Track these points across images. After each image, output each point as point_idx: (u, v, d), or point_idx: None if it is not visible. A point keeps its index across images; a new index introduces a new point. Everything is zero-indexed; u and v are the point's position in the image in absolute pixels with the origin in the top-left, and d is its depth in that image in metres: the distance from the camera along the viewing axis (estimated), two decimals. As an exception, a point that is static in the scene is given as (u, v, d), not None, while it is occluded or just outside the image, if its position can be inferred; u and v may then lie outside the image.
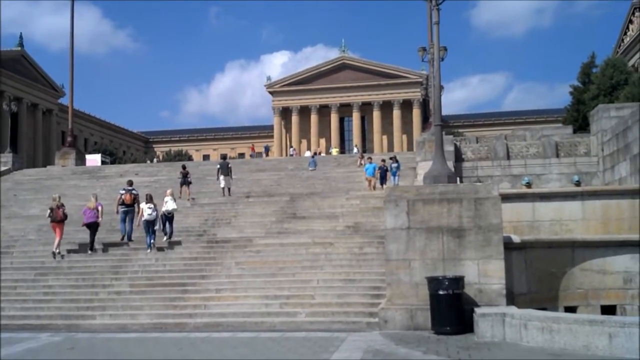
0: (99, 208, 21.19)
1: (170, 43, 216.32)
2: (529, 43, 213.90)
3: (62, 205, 21.30)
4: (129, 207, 21.56)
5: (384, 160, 30.31)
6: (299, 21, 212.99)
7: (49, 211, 21.11)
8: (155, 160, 71.64)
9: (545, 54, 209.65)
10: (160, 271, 19.33)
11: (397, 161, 29.89)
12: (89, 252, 20.87)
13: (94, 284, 18.62)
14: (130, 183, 22.99)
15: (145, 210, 20.66)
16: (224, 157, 31.41)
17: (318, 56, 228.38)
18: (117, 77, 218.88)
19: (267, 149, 74.46)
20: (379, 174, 29.22)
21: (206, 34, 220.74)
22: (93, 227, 20.94)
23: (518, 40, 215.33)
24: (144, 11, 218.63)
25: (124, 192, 21.82)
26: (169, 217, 21.22)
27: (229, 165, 28.77)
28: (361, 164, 34.96)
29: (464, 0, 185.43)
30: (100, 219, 21.12)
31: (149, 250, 20.52)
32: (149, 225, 20.59)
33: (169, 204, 21.19)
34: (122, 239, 21.71)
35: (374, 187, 28.69)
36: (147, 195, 21.40)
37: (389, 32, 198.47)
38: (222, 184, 28.44)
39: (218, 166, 29.35)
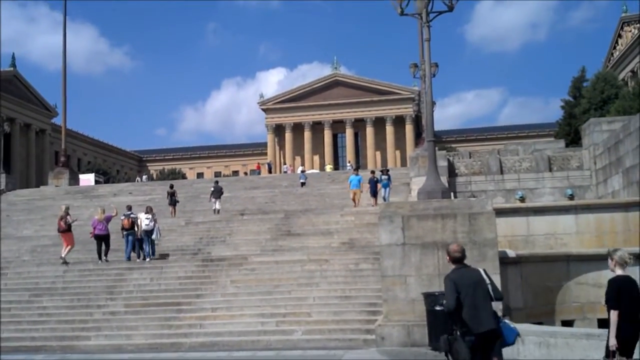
0: (108, 221, 22.12)
1: (168, 61, 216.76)
2: (523, 58, 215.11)
3: (66, 215, 22.19)
4: (129, 231, 22.24)
5: (373, 172, 29.62)
6: (296, 38, 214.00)
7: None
8: (144, 177, 70.58)
9: (540, 68, 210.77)
10: (155, 290, 19.24)
11: (387, 173, 29.26)
12: (99, 261, 21.70)
13: (89, 304, 18.50)
14: (129, 208, 23.62)
15: (143, 220, 21.62)
16: (216, 181, 34.07)
17: (314, 73, 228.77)
18: (113, 96, 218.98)
19: (270, 167, 75.13)
20: (368, 187, 28.36)
21: (203, 51, 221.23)
22: (102, 239, 21.89)
23: (513, 55, 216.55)
24: (141, 29, 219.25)
25: (123, 217, 22.49)
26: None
27: (221, 190, 30.21)
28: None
29: (458, 16, 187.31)
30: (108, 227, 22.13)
31: (148, 259, 21.37)
32: (147, 234, 21.54)
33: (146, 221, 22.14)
34: (129, 258, 22.25)
35: (359, 200, 27.89)
36: (147, 207, 22.60)
37: (384, 48, 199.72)
38: (214, 206, 29.58)
39: (212, 189, 30.34)
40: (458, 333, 7.65)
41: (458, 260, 8.10)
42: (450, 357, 7.78)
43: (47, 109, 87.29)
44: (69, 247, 22.01)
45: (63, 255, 21.75)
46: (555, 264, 15.27)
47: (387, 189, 28.20)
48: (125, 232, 22.21)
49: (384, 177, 28.67)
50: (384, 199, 27.23)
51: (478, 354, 7.57)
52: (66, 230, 22.07)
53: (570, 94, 58.50)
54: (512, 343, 7.91)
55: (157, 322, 17.00)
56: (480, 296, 7.74)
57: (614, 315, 7.93)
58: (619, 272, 8.23)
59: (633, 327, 7.78)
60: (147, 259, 21.46)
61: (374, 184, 28.31)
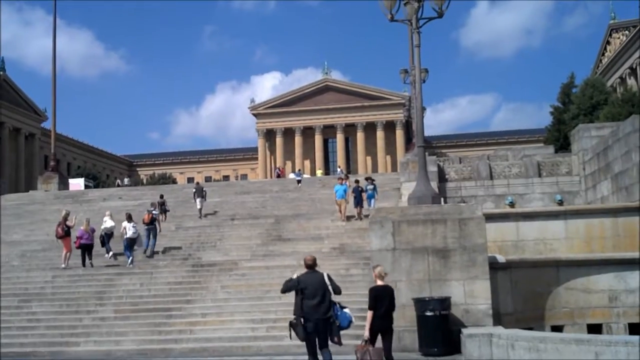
0: (92, 232, 22.59)
1: (163, 64, 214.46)
2: (518, 63, 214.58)
3: (64, 221, 22.55)
4: (150, 225, 23.45)
5: (357, 181, 27.64)
6: (293, 43, 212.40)
7: None
8: (126, 180, 69.26)
9: (534, 74, 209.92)
10: (145, 296, 19.17)
11: (373, 182, 27.49)
12: (83, 268, 21.97)
13: (78, 309, 18.43)
14: (152, 205, 25.55)
15: (129, 228, 22.08)
16: (197, 182, 37.20)
17: (309, 79, 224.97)
18: (107, 100, 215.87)
19: (278, 172, 75.36)
20: (353, 196, 26.31)
21: (199, 55, 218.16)
22: (88, 248, 22.28)
23: (507, 61, 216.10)
24: (137, 33, 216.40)
25: (146, 213, 23.94)
26: (108, 235, 22.91)
27: (203, 189, 30.84)
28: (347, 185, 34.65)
29: (453, 20, 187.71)
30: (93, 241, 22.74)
31: (130, 265, 21.77)
32: (131, 242, 22.03)
33: (107, 223, 23.04)
34: (145, 252, 23.29)
35: (345, 211, 25.92)
36: (127, 214, 23.19)
37: (379, 53, 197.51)
38: (198, 206, 29.98)
39: (194, 190, 31.22)
40: (301, 319, 10.39)
41: (309, 267, 10.83)
42: (296, 335, 10.54)
43: (37, 113, 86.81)
44: (66, 252, 22.19)
45: (64, 265, 22.01)
46: (545, 270, 15.32)
47: (373, 200, 26.48)
48: (145, 227, 23.31)
49: (369, 186, 27.01)
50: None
51: (316, 334, 10.41)
52: (63, 236, 22.37)
53: (559, 100, 58.74)
54: (346, 327, 10.58)
55: (147, 327, 16.93)
56: (318, 294, 10.39)
57: (369, 314, 10.71)
58: (379, 282, 11.06)
59: (383, 324, 10.71)
60: (130, 265, 21.81)
61: (358, 193, 26.45)
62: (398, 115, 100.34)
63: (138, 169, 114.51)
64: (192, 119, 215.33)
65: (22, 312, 18.65)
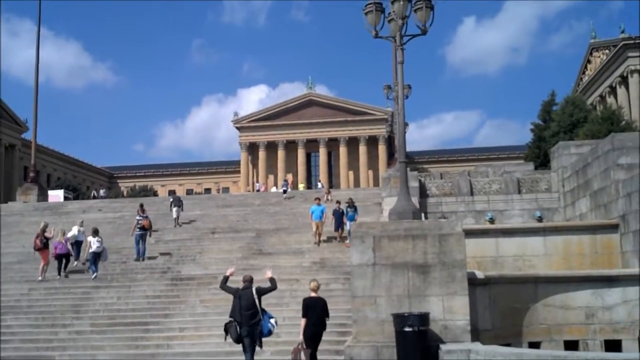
0: (66, 242, 22.77)
1: (151, 76, 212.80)
2: (503, 80, 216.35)
3: (42, 233, 22.62)
4: (143, 231, 24.27)
5: (339, 203, 26.53)
6: (280, 57, 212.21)
7: None
8: (102, 191, 68.08)
9: (518, 91, 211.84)
10: (122, 310, 18.98)
11: (353, 205, 26.13)
12: (58, 277, 22.09)
13: (54, 323, 18.20)
14: (144, 211, 25.77)
15: (94, 243, 22.21)
16: (173, 191, 36.51)
17: (295, 93, 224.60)
18: (93, 111, 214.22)
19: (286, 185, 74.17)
20: (333, 219, 25.44)
21: (187, 67, 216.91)
22: (64, 257, 22.47)
23: (492, 78, 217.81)
24: (126, 44, 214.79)
25: (140, 218, 24.61)
26: (73, 244, 23.52)
27: (180, 199, 31.82)
28: (328, 199, 34.78)
29: (439, 37, 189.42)
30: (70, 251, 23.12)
31: (93, 277, 21.87)
32: (96, 256, 22.20)
33: (70, 232, 23.60)
34: (137, 259, 23.94)
35: (321, 234, 25.08)
36: (93, 229, 23.09)
37: (367, 69, 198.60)
38: (174, 215, 30.73)
39: (171, 200, 32.41)
40: (236, 324, 12.80)
41: (247, 281, 13.43)
42: (230, 335, 12.99)
43: (18, 123, 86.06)
44: (44, 264, 22.13)
45: (40, 278, 21.98)
46: (523, 286, 15.38)
47: (352, 223, 23.69)
48: (140, 231, 24.07)
49: (349, 209, 25.80)
50: (349, 232, 23.97)
51: (248, 337, 12.82)
52: (41, 248, 22.35)
53: (540, 118, 59.32)
54: (266, 334, 13.10)
55: (124, 342, 16.76)
56: (246, 304, 12.85)
57: (302, 321, 12.80)
58: (312, 294, 13.28)
59: (314, 330, 12.87)
60: (93, 276, 21.92)
61: (339, 215, 25.43)
62: (381, 131, 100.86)
63: (119, 181, 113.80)
64: (178, 132, 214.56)
65: (-3, 325, 18.36)
